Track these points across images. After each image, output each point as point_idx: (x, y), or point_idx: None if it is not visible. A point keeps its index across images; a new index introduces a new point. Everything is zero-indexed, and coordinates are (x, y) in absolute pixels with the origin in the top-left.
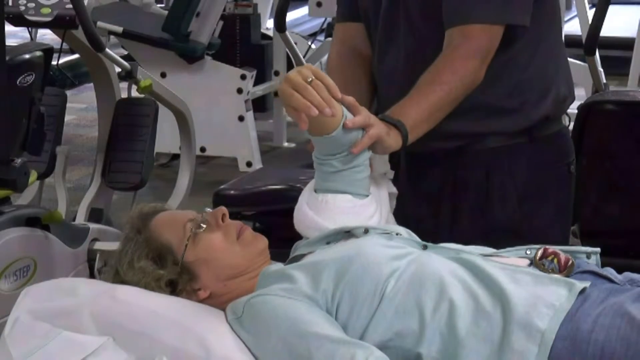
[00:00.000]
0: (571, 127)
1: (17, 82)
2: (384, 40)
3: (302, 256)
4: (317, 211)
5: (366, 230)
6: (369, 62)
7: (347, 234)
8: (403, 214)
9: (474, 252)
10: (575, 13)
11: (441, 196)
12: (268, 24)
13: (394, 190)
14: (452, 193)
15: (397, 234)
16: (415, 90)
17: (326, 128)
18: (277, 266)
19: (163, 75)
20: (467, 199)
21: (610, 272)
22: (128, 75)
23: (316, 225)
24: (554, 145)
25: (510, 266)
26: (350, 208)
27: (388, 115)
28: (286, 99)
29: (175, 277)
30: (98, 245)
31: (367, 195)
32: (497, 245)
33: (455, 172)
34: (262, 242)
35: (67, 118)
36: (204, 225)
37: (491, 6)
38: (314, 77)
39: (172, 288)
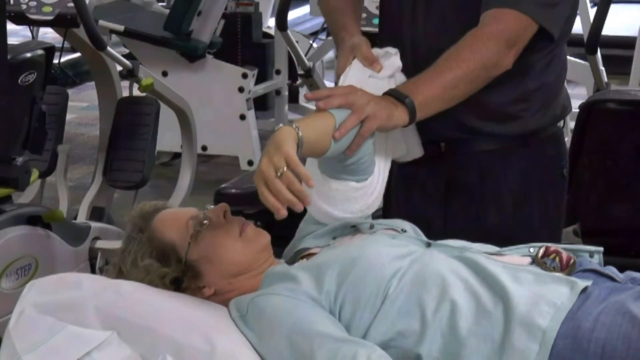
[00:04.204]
0: (570, 126)
1: (19, 81)
2: (411, 30)
3: (306, 249)
4: (321, 196)
5: (372, 226)
6: None
7: (353, 228)
8: (400, 215)
9: (477, 250)
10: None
11: (435, 198)
12: (269, 23)
13: (399, 64)
14: (444, 195)
15: (402, 230)
16: (432, 67)
17: (318, 152)
18: (282, 266)
19: (164, 73)
20: (461, 201)
21: (612, 270)
22: (129, 74)
23: (320, 209)
24: (547, 149)
25: (512, 265)
26: (352, 194)
27: (398, 89)
28: (258, 192)
29: (179, 275)
30: (99, 244)
31: (371, 173)
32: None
33: (449, 175)
34: (265, 238)
35: (68, 117)
36: (206, 223)
37: (532, 0)
38: (285, 169)
39: (177, 286)
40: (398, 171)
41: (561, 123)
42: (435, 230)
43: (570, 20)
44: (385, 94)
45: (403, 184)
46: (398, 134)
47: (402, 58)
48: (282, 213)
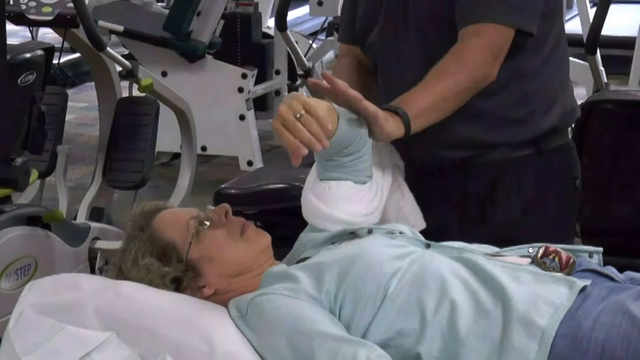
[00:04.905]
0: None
1: (18, 81)
2: (393, 55)
3: (307, 259)
4: (320, 198)
5: (370, 231)
6: (372, 72)
7: (352, 234)
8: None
9: (476, 251)
10: (576, 12)
11: (447, 208)
12: (269, 23)
13: (401, 162)
14: (458, 205)
15: (400, 233)
16: (421, 82)
17: None
18: (281, 267)
19: (164, 74)
20: (473, 211)
21: (611, 270)
22: (129, 74)
23: (319, 212)
24: (560, 159)
25: (511, 265)
26: (352, 194)
27: (389, 104)
28: (278, 135)
29: (179, 274)
30: (99, 244)
31: (370, 179)
32: None
33: (462, 185)
34: (266, 238)
35: (68, 117)
36: (208, 223)
37: (503, 8)
38: (303, 112)
39: (177, 285)
40: (412, 181)
41: (571, 135)
42: (449, 238)
43: (556, 18)
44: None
45: (416, 194)
46: (402, 208)
47: (390, 82)
48: (303, 152)
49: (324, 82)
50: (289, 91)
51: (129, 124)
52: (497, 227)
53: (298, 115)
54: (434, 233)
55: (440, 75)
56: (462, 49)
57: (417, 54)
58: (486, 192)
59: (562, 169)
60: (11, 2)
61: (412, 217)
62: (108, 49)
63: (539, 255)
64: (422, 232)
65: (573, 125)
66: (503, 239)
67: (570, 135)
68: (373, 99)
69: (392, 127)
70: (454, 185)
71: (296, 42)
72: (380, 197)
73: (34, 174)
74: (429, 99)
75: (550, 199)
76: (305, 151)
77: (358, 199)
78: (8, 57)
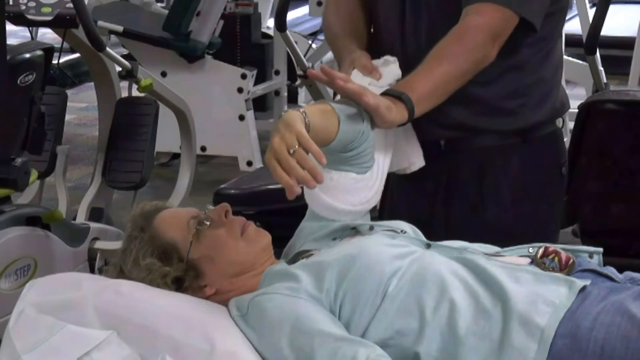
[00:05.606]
0: (570, 127)
1: (18, 82)
2: (398, 30)
3: (307, 252)
4: (321, 187)
5: (371, 227)
6: (367, 6)
7: (353, 230)
8: (397, 213)
9: (477, 251)
10: (575, 12)
11: (435, 195)
12: (269, 23)
13: (399, 72)
14: (445, 192)
15: (402, 231)
16: (422, 65)
17: (323, 140)
18: (282, 265)
19: (163, 74)
20: (461, 198)
21: (610, 270)
22: (128, 75)
23: (319, 200)
24: (546, 147)
25: (510, 265)
26: (353, 185)
27: (393, 89)
28: (270, 171)
29: (181, 274)
30: (98, 245)
31: (370, 168)
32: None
33: (449, 171)
34: (266, 237)
35: (67, 117)
36: (208, 222)
37: None
38: (297, 146)
39: (178, 285)
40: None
41: (560, 123)
42: (435, 227)
43: (560, 12)
44: (382, 94)
45: (403, 181)
46: (402, 146)
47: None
48: (296, 190)
49: (323, 75)
50: (289, 91)
51: (128, 124)
52: (486, 216)
53: (292, 151)
54: (423, 224)
55: (442, 58)
56: (463, 29)
57: (423, 32)
58: (472, 179)
59: (549, 156)
60: (11, 2)
61: (412, 154)
62: (107, 49)
63: (539, 256)
64: (411, 223)
65: (572, 126)
66: (492, 228)
67: (560, 125)
68: (365, 35)
69: (395, 115)
70: (441, 172)
71: (296, 43)
72: (380, 180)
73: (34, 174)
74: (432, 83)
75: (536, 187)
76: (299, 190)
77: (359, 188)
78: (8, 58)
